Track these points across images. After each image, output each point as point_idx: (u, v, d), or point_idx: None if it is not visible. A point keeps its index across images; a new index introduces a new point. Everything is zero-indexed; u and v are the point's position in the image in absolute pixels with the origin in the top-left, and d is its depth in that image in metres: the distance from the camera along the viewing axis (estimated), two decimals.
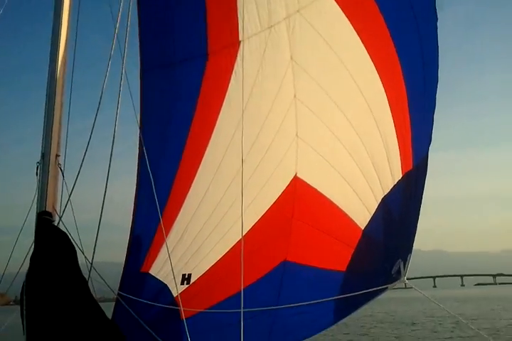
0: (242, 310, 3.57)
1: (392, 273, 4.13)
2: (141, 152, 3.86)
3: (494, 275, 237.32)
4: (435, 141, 4.29)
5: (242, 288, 3.63)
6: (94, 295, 2.53)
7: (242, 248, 3.90)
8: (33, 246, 2.74)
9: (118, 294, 4.02)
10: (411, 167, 4.31)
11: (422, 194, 4.33)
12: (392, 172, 4.30)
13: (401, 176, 4.30)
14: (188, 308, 4.20)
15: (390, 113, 4.25)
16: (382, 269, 4.26)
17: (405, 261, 4.12)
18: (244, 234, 4.28)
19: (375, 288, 4.12)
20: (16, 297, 2.78)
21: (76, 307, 2.33)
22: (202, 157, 4.29)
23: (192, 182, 4.28)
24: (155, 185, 3.73)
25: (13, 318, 4.03)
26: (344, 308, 4.58)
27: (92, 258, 2.82)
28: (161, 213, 3.95)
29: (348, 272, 4.46)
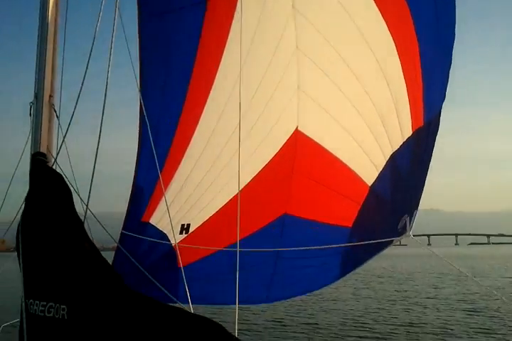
0: (238, 250, 3.55)
1: (398, 228, 4.10)
2: (140, 104, 3.75)
3: (488, 235, 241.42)
4: None
5: (238, 230, 3.61)
6: (91, 237, 2.48)
7: (238, 200, 3.84)
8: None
9: (119, 241, 4.02)
10: (422, 123, 4.18)
11: (432, 151, 4.24)
12: (401, 129, 4.16)
13: (411, 132, 4.17)
14: (186, 257, 4.22)
15: (400, 66, 4.06)
16: (388, 225, 4.23)
17: (411, 216, 4.09)
18: (243, 186, 4.26)
19: (380, 240, 4.10)
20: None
21: (72, 248, 2.29)
22: (202, 109, 4.17)
23: (192, 135, 4.19)
24: (156, 137, 3.68)
25: (9, 264, 4.06)
26: (347, 263, 4.59)
27: (88, 199, 2.77)
28: (162, 165, 3.94)
29: (352, 227, 4.42)
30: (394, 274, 39.39)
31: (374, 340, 13.93)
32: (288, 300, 4.85)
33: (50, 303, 2.16)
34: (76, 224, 2.43)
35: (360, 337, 14.21)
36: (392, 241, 4.12)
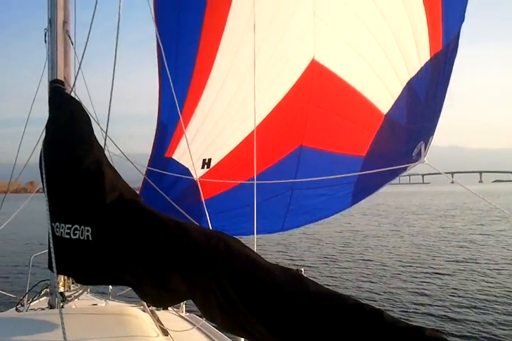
0: (255, 182, 3.60)
1: (413, 155, 4.02)
2: (158, 45, 3.66)
3: None
4: None
5: (255, 164, 3.61)
6: (111, 162, 2.48)
7: (254, 135, 3.88)
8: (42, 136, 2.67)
9: (145, 175, 4.09)
10: (440, 47, 3.96)
11: (450, 76, 4.04)
12: (419, 53, 3.95)
13: (429, 57, 3.97)
14: (208, 190, 4.29)
15: None
16: (403, 152, 4.15)
17: (426, 142, 3.98)
18: (261, 120, 4.26)
19: (394, 167, 4.04)
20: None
21: (93, 172, 2.29)
22: (218, 46, 4.05)
23: (210, 72, 4.11)
24: (175, 76, 3.64)
25: (30, 202, 4.15)
26: (361, 191, 4.60)
27: (107, 127, 2.76)
28: (182, 103, 3.93)
29: (367, 157, 4.39)
30: (429, 211, 39.51)
31: (434, 276, 14.17)
32: (301, 227, 4.99)
33: (75, 225, 2.18)
34: (96, 149, 2.42)
35: (416, 272, 14.57)
36: (406, 168, 4.06)
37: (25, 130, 3.36)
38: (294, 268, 2.01)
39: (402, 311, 10.69)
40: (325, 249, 20.09)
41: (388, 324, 1.41)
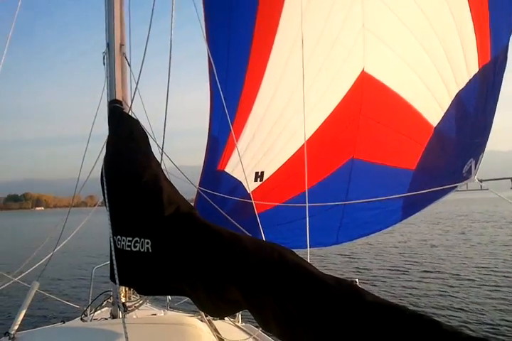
0: (307, 205, 3.64)
1: (463, 172, 3.91)
2: (208, 57, 3.77)
3: None
4: None
5: (306, 183, 3.64)
6: (168, 177, 2.57)
7: (305, 149, 3.90)
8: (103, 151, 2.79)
9: (197, 193, 4.15)
10: (489, 59, 3.86)
11: (500, 88, 3.91)
12: (467, 65, 3.89)
13: (478, 69, 3.89)
14: (261, 204, 4.31)
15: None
16: (452, 168, 4.05)
17: (477, 160, 3.87)
18: (310, 134, 4.27)
19: (445, 186, 3.95)
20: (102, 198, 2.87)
21: (152, 187, 2.37)
22: (268, 58, 4.11)
23: (260, 85, 4.18)
24: (225, 89, 3.71)
25: (96, 216, 4.33)
26: (412, 206, 4.50)
27: (163, 143, 2.86)
28: (233, 116, 3.99)
29: (417, 170, 4.32)
30: (494, 218, 37.89)
31: None
32: (355, 240, 4.91)
33: (136, 238, 2.26)
34: (154, 164, 2.51)
35: (497, 285, 13.69)
36: (456, 186, 3.96)
37: (87, 147, 3.52)
38: (357, 279, 2.00)
39: (488, 330, 9.49)
40: (392, 259, 19.27)
41: (448, 334, 1.37)
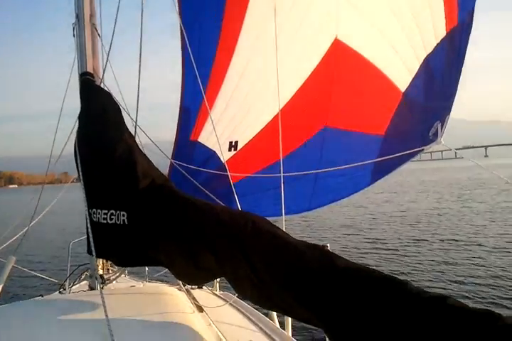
0: (282, 175, 3.69)
1: (430, 135, 4.01)
2: (180, 27, 3.69)
3: None
4: None
5: (281, 151, 3.69)
6: (142, 149, 2.55)
7: (279, 117, 3.91)
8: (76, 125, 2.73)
9: (171, 164, 4.10)
10: (455, 23, 3.91)
11: (465, 54, 4.00)
12: (435, 30, 3.93)
13: (445, 33, 3.94)
14: (236, 173, 4.32)
15: None
16: (419, 132, 4.14)
17: (443, 122, 3.96)
18: (285, 102, 4.25)
19: (411, 150, 4.05)
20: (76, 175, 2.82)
21: (126, 159, 2.36)
22: (241, 27, 4.03)
23: (232, 54, 4.11)
24: (197, 60, 3.64)
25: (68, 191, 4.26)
26: (380, 170, 4.63)
27: (136, 116, 2.83)
28: (205, 86, 3.92)
29: (386, 135, 4.41)
30: (486, 185, 38.20)
31: None
32: (326, 206, 4.99)
33: (111, 211, 2.26)
34: (128, 137, 2.50)
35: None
36: (423, 149, 4.03)
37: (59, 122, 3.45)
38: (328, 244, 2.03)
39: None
40: (405, 232, 18.50)
41: (414, 293, 1.44)
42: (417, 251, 14.52)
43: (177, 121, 4.31)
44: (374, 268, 1.59)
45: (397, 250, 14.75)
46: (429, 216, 22.55)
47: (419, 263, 12.75)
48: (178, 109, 4.28)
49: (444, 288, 10.17)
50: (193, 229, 1.97)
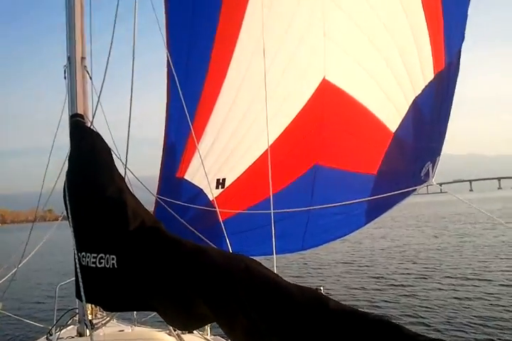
0: (272, 211, 3.68)
1: (422, 175, 4.13)
2: (168, 61, 3.81)
3: None
4: None
5: (270, 188, 3.71)
6: (132, 190, 2.60)
7: (268, 155, 3.96)
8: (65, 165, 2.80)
9: (156, 201, 4.13)
10: (443, 66, 4.11)
11: (453, 94, 4.18)
12: (423, 72, 4.12)
13: (433, 76, 4.13)
14: (225, 211, 4.31)
15: (421, 7, 3.95)
16: (411, 172, 4.26)
17: (434, 163, 4.11)
18: (273, 140, 4.34)
19: (404, 190, 4.15)
20: (62, 213, 2.87)
21: (116, 202, 2.37)
22: (228, 65, 4.17)
23: (220, 90, 4.22)
24: (184, 95, 3.70)
25: (54, 230, 4.26)
26: (375, 210, 4.69)
27: (126, 156, 2.90)
28: (191, 122, 3.95)
29: (378, 175, 4.50)
30: (478, 219, 38.33)
31: None
32: (320, 246, 5.03)
33: (101, 254, 2.25)
34: (117, 178, 2.54)
35: None
36: (415, 189, 4.17)
37: (49, 161, 3.52)
38: (322, 287, 2.05)
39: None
40: (402, 267, 18.32)
41: (408, 337, 1.45)
42: (423, 288, 14.01)
43: (161, 158, 4.34)
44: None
45: (402, 287, 14.36)
46: (429, 251, 22.35)
47: (428, 302, 12.22)
48: (161, 145, 4.29)
49: (458, 330, 9.85)
50: (185, 273, 1.95)
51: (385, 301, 12.45)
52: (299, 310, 1.64)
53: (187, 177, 4.35)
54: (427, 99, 4.19)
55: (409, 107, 4.22)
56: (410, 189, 4.16)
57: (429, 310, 11.48)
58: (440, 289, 13.88)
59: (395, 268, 17.97)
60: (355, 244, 26.52)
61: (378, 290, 14.20)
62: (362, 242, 27.49)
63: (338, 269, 18.60)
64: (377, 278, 16.24)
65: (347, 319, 1.56)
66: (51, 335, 3.62)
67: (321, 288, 1.95)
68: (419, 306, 11.82)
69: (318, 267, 19.52)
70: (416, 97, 4.18)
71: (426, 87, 4.14)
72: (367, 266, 19.15)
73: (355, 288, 14.64)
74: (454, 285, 14.27)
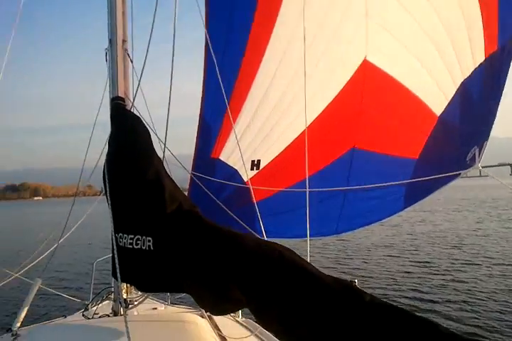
0: (307, 190, 3.73)
1: (467, 160, 4.05)
2: (206, 40, 3.85)
3: None
4: None
5: (306, 169, 3.76)
6: (169, 174, 2.69)
7: (305, 137, 3.99)
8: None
9: (191, 180, 4.21)
10: (496, 48, 3.97)
11: (506, 78, 4.03)
12: (473, 53, 3.99)
13: (484, 58, 3.99)
14: (259, 192, 4.40)
15: None
16: (455, 157, 4.18)
17: (481, 147, 4.00)
18: (310, 121, 4.35)
19: (447, 174, 4.08)
20: (102, 189, 2.95)
21: (153, 184, 2.45)
22: (267, 44, 4.18)
23: (257, 69, 4.23)
24: (221, 74, 3.73)
25: (96, 206, 4.44)
26: (414, 194, 4.62)
27: (165, 138, 2.98)
28: (228, 101, 3.99)
29: (420, 159, 4.43)
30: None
31: None
32: (355, 230, 4.99)
33: (137, 236, 2.34)
34: (156, 161, 2.61)
35: None
36: (459, 174, 4.09)
37: (91, 138, 3.66)
38: (356, 280, 2.08)
39: None
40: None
41: (444, 335, 1.46)
42: (470, 276, 13.64)
43: (196, 137, 4.42)
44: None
45: (448, 274, 13.99)
46: (473, 237, 21.78)
47: (477, 290, 11.86)
48: (196, 125, 4.37)
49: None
50: (219, 258, 2.02)
51: (431, 287, 12.24)
52: (331, 301, 1.67)
53: (222, 157, 4.41)
54: (476, 82, 4.08)
55: (457, 90, 4.13)
56: (455, 173, 4.08)
57: (480, 297, 11.26)
58: (490, 276, 13.59)
59: (439, 254, 17.58)
60: (394, 227, 26.25)
61: (423, 275, 13.95)
62: (401, 226, 27.13)
63: (378, 253, 18.38)
64: (422, 262, 15.97)
65: (383, 313, 1.58)
66: (87, 310, 3.80)
67: (355, 280, 1.99)
68: (468, 293, 11.60)
69: (356, 249, 19.38)
70: (464, 79, 4.08)
71: (475, 69, 4.02)
72: (409, 250, 18.85)
73: (399, 272, 14.48)
74: (503, 272, 13.97)
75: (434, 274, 14.08)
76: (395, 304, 1.66)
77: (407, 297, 11.16)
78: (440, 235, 23.13)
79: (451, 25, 3.97)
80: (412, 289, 11.99)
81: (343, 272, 13.73)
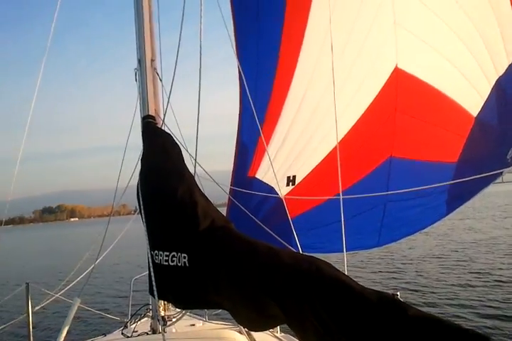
0: (341, 197, 3.66)
1: (508, 158, 4.01)
2: (238, 62, 3.93)
3: None
4: None
5: (340, 181, 3.71)
6: (202, 189, 2.75)
7: (337, 151, 3.93)
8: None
9: (231, 195, 4.29)
10: None
11: None
12: (507, 50, 3.98)
13: None
14: (295, 208, 4.42)
15: None
16: (496, 155, 4.14)
17: None
18: (345, 133, 4.38)
19: (489, 173, 4.01)
20: (136, 207, 3.03)
21: (187, 200, 2.52)
22: (297, 60, 4.24)
23: (289, 88, 4.30)
24: (255, 94, 3.84)
25: (131, 225, 4.54)
26: (456, 198, 4.57)
27: (196, 154, 3.06)
28: (262, 120, 4.08)
29: (459, 162, 4.40)
30: None
31: None
32: (399, 241, 4.94)
33: (173, 253, 2.39)
34: (188, 178, 2.68)
35: None
36: (501, 173, 4.03)
37: (123, 158, 3.78)
38: (399, 293, 2.07)
39: None
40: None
41: None
42: None
43: (234, 156, 4.53)
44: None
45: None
46: None
47: None
48: (234, 145, 4.49)
49: None
50: (256, 274, 2.02)
51: (494, 300, 11.41)
52: (373, 315, 1.63)
53: (258, 175, 4.48)
54: (511, 79, 4.06)
55: (492, 89, 4.10)
56: (497, 171, 4.03)
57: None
58: None
59: (498, 264, 16.67)
60: (440, 236, 25.65)
61: (485, 287, 13.20)
62: (449, 235, 26.37)
63: (429, 264, 17.67)
64: (480, 273, 15.11)
65: (427, 327, 1.53)
66: (126, 328, 3.90)
67: (398, 293, 1.97)
68: None
69: (400, 260, 18.84)
70: (499, 78, 4.06)
71: (510, 64, 4.01)
72: (463, 260, 18.01)
73: (456, 285, 13.72)
74: None
75: (496, 286, 13.28)
76: (453, 320, 1.57)
77: (469, 312, 10.47)
78: (492, 242, 22.20)
79: (482, 23, 3.96)
80: (473, 303, 11.31)
81: (388, 286, 13.21)
